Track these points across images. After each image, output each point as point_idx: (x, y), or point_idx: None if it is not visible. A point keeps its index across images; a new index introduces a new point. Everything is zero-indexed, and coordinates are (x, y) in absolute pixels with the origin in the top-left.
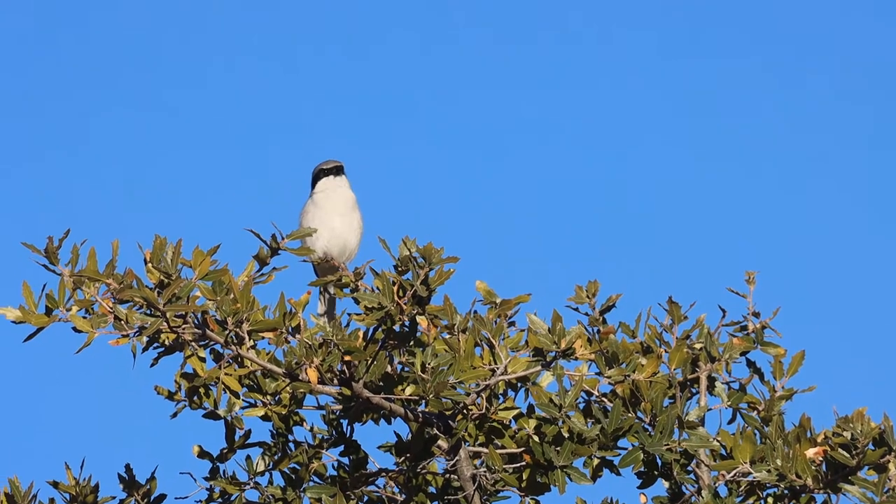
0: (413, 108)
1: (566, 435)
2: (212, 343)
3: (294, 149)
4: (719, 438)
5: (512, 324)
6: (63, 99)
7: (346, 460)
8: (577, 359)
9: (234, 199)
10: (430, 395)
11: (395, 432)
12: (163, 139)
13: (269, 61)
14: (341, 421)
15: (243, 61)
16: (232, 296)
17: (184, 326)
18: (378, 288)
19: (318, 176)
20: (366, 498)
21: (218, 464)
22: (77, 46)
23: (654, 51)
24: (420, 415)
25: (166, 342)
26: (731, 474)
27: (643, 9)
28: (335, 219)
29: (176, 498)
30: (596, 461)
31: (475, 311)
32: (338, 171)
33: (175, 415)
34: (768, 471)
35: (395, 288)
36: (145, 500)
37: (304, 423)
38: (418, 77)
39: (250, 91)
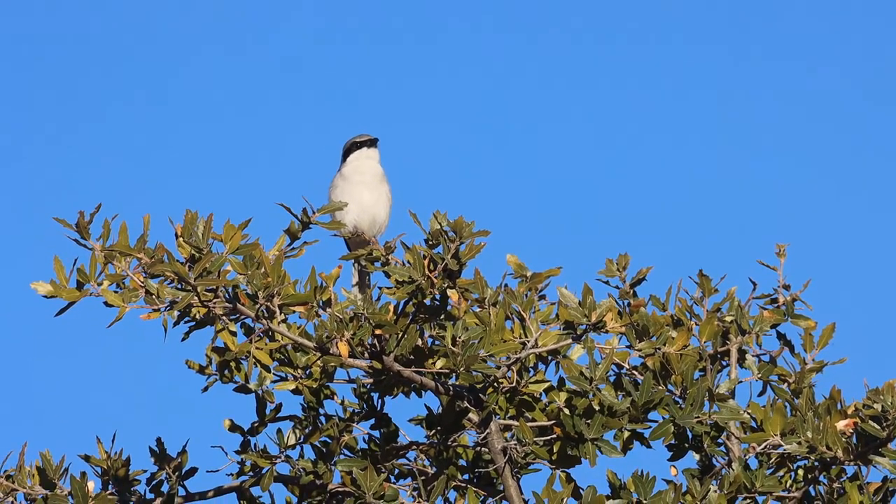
0: (443, 83)
1: (597, 408)
2: (243, 317)
3: (324, 124)
4: (750, 411)
5: (542, 297)
6: (93, 74)
7: (376, 434)
8: (607, 332)
9: (265, 173)
10: (461, 369)
11: (425, 405)
12: (195, 113)
13: (301, 37)
14: (372, 394)
15: (276, 35)
16: (263, 270)
17: (215, 301)
18: (409, 262)
19: (350, 150)
20: (396, 471)
21: (249, 437)
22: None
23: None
24: (451, 388)
25: (197, 316)
26: (762, 447)
27: None
28: (364, 192)
29: (207, 471)
30: (626, 434)
31: (506, 285)
32: (371, 143)
33: (206, 389)
34: (799, 443)
35: (426, 262)
36: (176, 474)
37: (335, 397)
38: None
39: (283, 67)
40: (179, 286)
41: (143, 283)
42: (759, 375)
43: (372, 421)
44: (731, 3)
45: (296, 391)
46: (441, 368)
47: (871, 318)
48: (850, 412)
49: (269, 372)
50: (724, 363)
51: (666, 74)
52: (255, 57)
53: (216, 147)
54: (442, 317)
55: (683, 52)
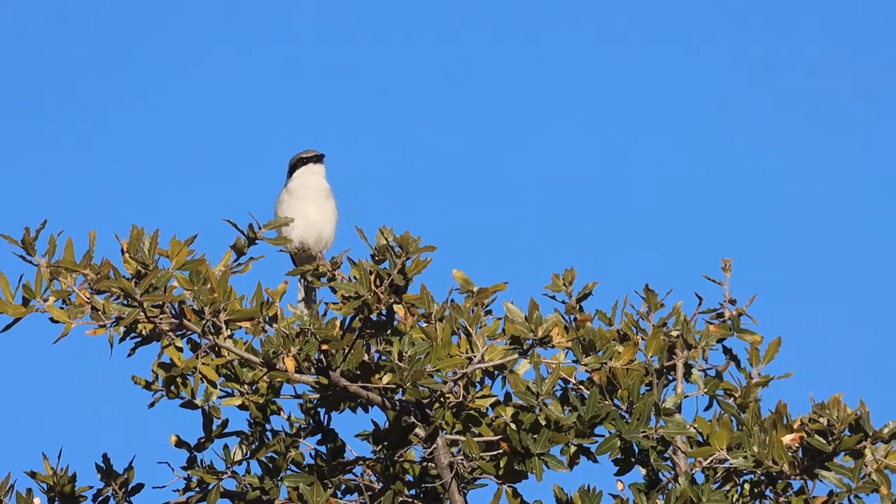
0: (390, 98)
1: (543, 422)
2: (189, 333)
3: (269, 139)
4: (696, 425)
5: (489, 312)
6: (38, 93)
7: (323, 449)
8: (553, 346)
9: (210, 190)
10: (408, 384)
11: (372, 420)
12: (137, 130)
13: (244, 54)
14: (318, 409)
15: (220, 50)
16: (209, 285)
17: (161, 316)
18: (355, 277)
19: (296, 165)
20: (343, 486)
21: (195, 453)
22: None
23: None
24: (397, 403)
25: (143, 332)
26: (708, 461)
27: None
28: (310, 208)
29: (153, 487)
30: (573, 448)
31: (452, 300)
32: (317, 159)
33: (152, 404)
34: (745, 457)
35: (372, 277)
36: (123, 490)
37: (282, 412)
38: (399, 67)
39: (226, 81)
40: (126, 302)
41: (89, 299)
42: (706, 390)
43: (318, 436)
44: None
45: (242, 407)
46: (388, 383)
47: (817, 332)
48: (796, 426)
49: (216, 387)
50: (670, 378)
51: (604, 85)
52: (196, 75)
53: (162, 164)
54: (388, 332)
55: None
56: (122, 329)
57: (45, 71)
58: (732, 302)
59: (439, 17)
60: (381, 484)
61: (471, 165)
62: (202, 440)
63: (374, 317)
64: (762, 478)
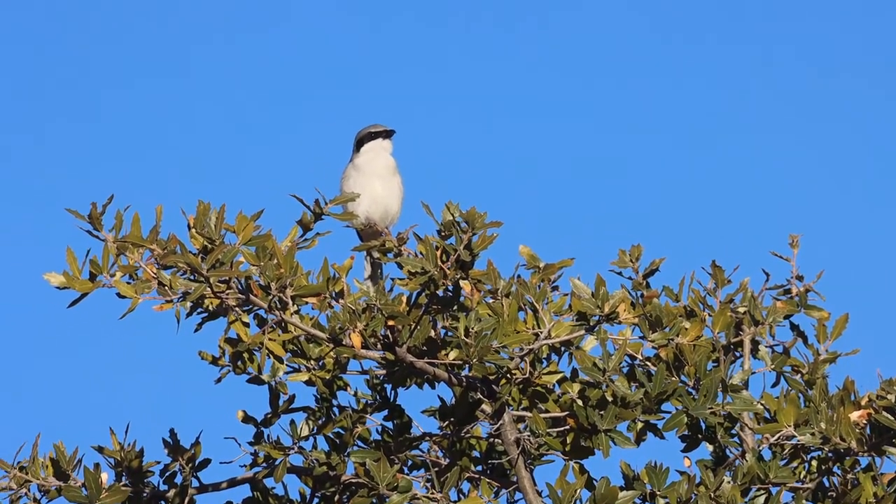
0: (454, 73)
1: (610, 399)
2: (255, 308)
3: (332, 113)
4: (763, 402)
5: (555, 288)
6: (105, 65)
7: (390, 425)
8: (620, 323)
9: (278, 165)
10: (474, 360)
11: (438, 396)
12: (202, 103)
13: (310, 24)
14: (385, 385)
15: (286, 18)
16: (275, 261)
17: (227, 292)
18: (421, 253)
19: (363, 140)
20: (410, 462)
21: (262, 429)
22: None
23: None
24: (464, 379)
25: (210, 307)
26: (775, 437)
27: None
28: (377, 183)
29: (220, 462)
30: (640, 425)
31: (518, 276)
32: (386, 134)
33: (219, 380)
34: (812, 434)
35: (439, 252)
36: (190, 465)
37: (348, 388)
38: (470, 41)
39: (296, 56)
40: (192, 277)
41: (155, 274)
42: (773, 366)
43: (385, 412)
44: None
45: (309, 382)
46: (454, 359)
47: (885, 308)
48: (863, 403)
49: (282, 363)
50: (737, 354)
51: (685, 64)
52: (269, 45)
53: (229, 138)
54: (455, 308)
55: (705, 43)
56: (188, 304)
57: (103, 38)
58: (800, 278)
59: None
60: (447, 460)
61: (536, 140)
62: (269, 416)
63: (440, 292)
64: (829, 454)
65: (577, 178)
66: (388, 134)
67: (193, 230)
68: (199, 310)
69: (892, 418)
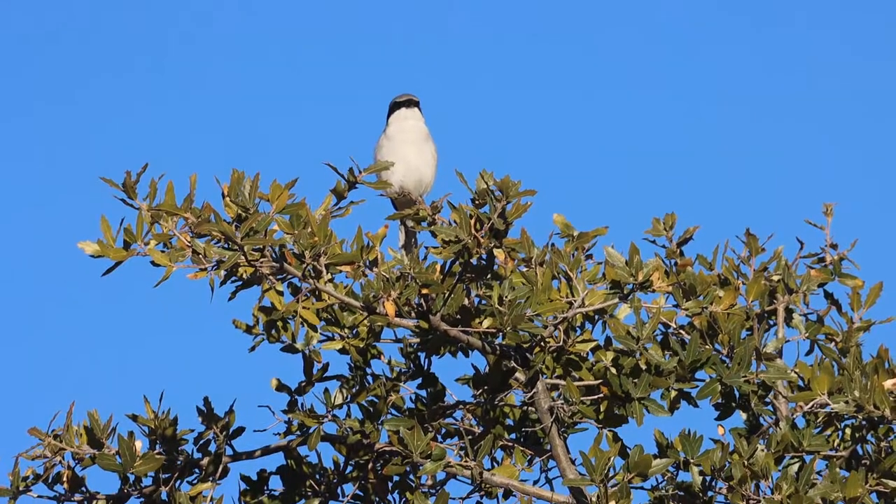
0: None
1: (643, 367)
2: (289, 276)
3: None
4: (797, 370)
5: (589, 256)
6: (141, 31)
7: (423, 393)
8: (654, 291)
9: (310, 133)
10: (508, 328)
11: (472, 365)
12: (235, 70)
13: None
14: (419, 354)
15: None
16: (310, 229)
17: (261, 260)
18: (455, 221)
19: (391, 109)
20: (443, 430)
21: (296, 397)
22: None
23: None
24: (497, 347)
25: (244, 276)
26: (809, 406)
27: None
28: (409, 152)
29: (254, 431)
30: (673, 393)
31: (552, 244)
32: (409, 103)
33: (253, 348)
34: (846, 402)
35: (473, 221)
36: (224, 433)
37: (382, 356)
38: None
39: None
40: (226, 246)
41: (189, 242)
42: (807, 334)
43: (419, 380)
44: None
45: (342, 351)
46: (488, 328)
47: None
48: None
49: (316, 331)
50: (771, 322)
51: (715, 36)
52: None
53: (263, 107)
54: (488, 276)
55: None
56: (222, 273)
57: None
58: (834, 246)
59: None
60: (481, 428)
61: (571, 107)
62: (303, 384)
63: (474, 261)
64: (863, 422)
65: (612, 146)
66: (410, 103)
67: (227, 199)
68: (233, 278)
69: None
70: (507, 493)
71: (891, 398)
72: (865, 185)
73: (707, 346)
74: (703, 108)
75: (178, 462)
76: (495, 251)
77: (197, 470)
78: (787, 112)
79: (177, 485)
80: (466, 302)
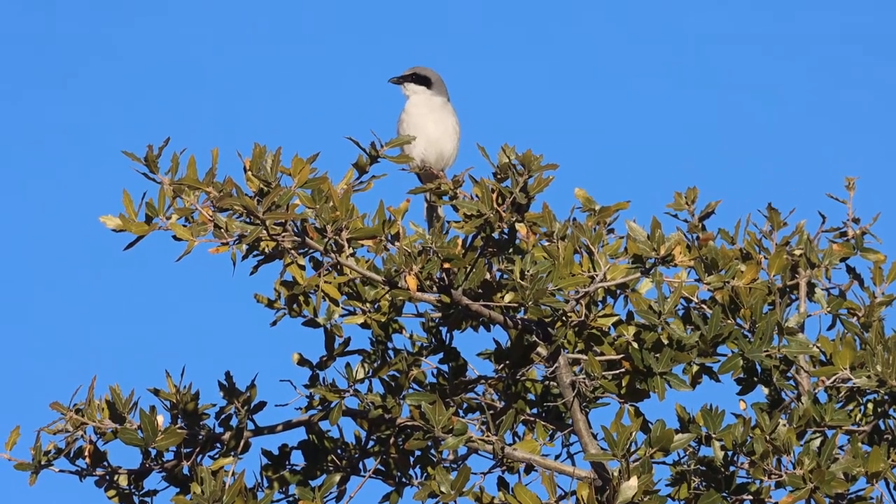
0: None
1: (665, 342)
2: (311, 251)
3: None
4: (819, 344)
5: (611, 231)
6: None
7: (445, 367)
8: (676, 265)
9: (333, 107)
10: (530, 302)
11: (494, 339)
12: (254, 47)
13: None
14: (440, 328)
15: None
16: (331, 203)
17: (283, 234)
18: (477, 195)
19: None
20: (465, 405)
21: (318, 371)
22: None
23: None
24: (519, 322)
25: (266, 250)
26: (831, 380)
27: None
28: (430, 125)
29: (276, 405)
30: (695, 368)
31: (574, 219)
32: (411, 77)
33: (275, 323)
34: (868, 377)
35: (495, 195)
36: (245, 408)
37: (404, 331)
38: None
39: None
40: (248, 220)
41: (211, 216)
42: (829, 309)
43: (440, 355)
44: None
45: (364, 325)
46: (509, 302)
47: None
48: None
49: (338, 306)
50: (793, 297)
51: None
52: None
53: (285, 81)
54: (510, 250)
55: None
56: (244, 247)
57: None
58: (856, 220)
59: None
60: (502, 403)
61: (592, 82)
62: (324, 358)
63: (496, 235)
64: (885, 397)
65: (633, 121)
66: (411, 78)
67: (249, 173)
68: (255, 252)
69: None
70: (529, 468)
71: None
72: (888, 158)
73: (729, 321)
74: (724, 81)
75: (200, 437)
76: (517, 225)
77: (218, 444)
78: (810, 86)
79: (198, 459)
80: (488, 276)
